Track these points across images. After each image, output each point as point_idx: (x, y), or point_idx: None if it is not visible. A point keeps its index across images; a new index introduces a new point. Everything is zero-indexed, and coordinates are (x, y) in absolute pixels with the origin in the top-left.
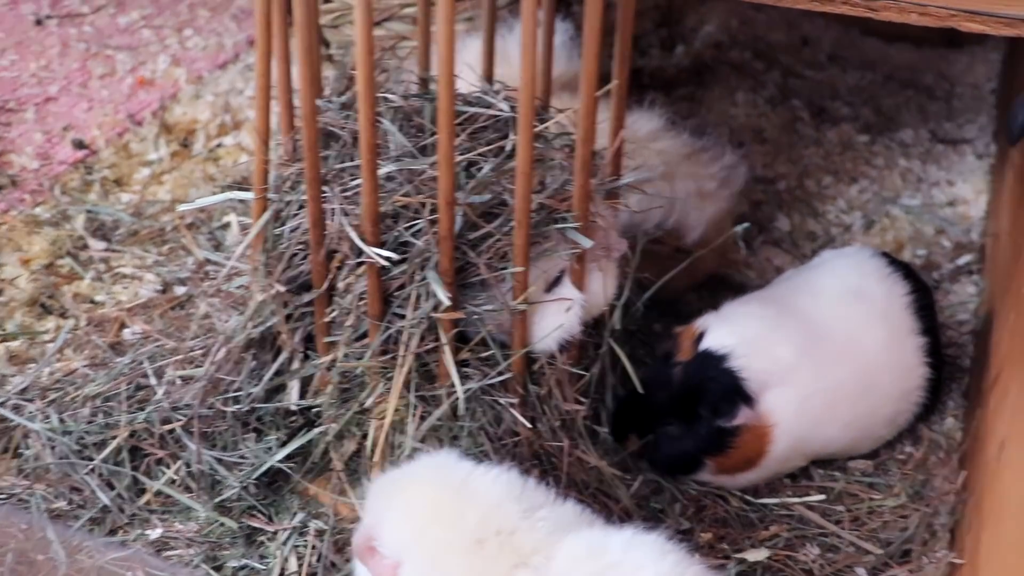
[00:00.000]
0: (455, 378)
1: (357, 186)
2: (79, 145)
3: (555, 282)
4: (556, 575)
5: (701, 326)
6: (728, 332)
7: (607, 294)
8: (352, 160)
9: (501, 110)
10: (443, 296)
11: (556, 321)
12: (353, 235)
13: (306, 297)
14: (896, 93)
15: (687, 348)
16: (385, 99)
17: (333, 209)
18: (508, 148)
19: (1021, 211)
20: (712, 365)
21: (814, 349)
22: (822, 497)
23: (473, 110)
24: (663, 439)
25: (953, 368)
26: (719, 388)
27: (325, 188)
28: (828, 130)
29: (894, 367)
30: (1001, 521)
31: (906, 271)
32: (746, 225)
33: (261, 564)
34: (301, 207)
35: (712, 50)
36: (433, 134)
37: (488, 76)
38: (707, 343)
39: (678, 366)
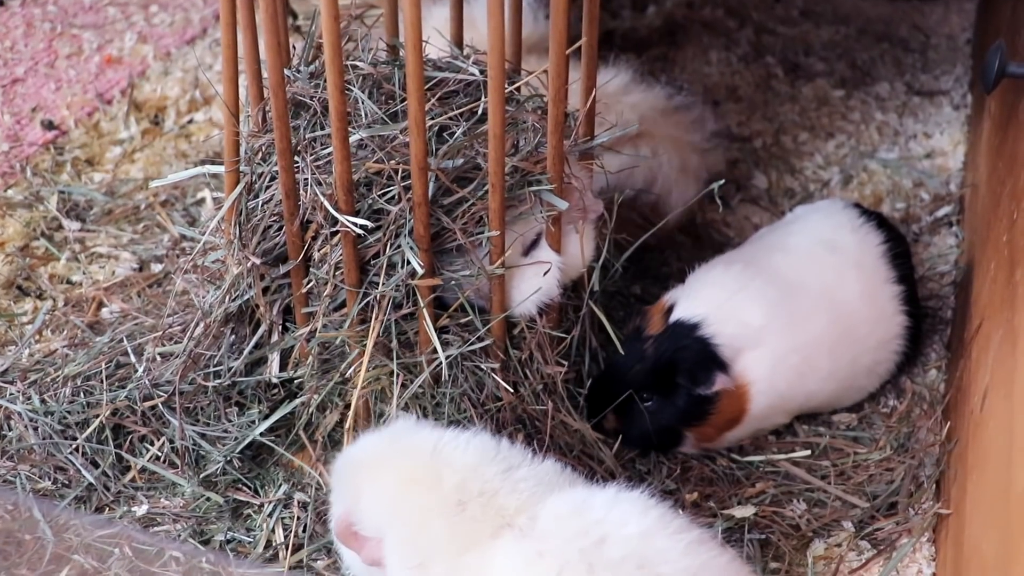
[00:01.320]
0: (436, 344)
1: (329, 155)
2: (49, 126)
3: (532, 245)
4: (541, 534)
5: (670, 299)
6: (698, 302)
7: (585, 256)
8: (323, 129)
9: (471, 74)
10: (416, 263)
11: (534, 285)
12: (327, 204)
13: (282, 269)
14: (871, 46)
15: (657, 322)
16: (354, 67)
17: (306, 179)
18: (479, 112)
19: (999, 160)
20: (684, 335)
21: (787, 306)
22: (807, 453)
23: (443, 75)
24: (639, 416)
25: (935, 320)
26: (694, 357)
27: (297, 158)
28: (803, 86)
29: (871, 317)
30: (986, 470)
31: (879, 220)
32: (721, 182)
33: (247, 536)
34: (273, 178)
35: (684, 9)
36: (403, 100)
37: (457, 41)
38: (678, 314)
39: (649, 340)
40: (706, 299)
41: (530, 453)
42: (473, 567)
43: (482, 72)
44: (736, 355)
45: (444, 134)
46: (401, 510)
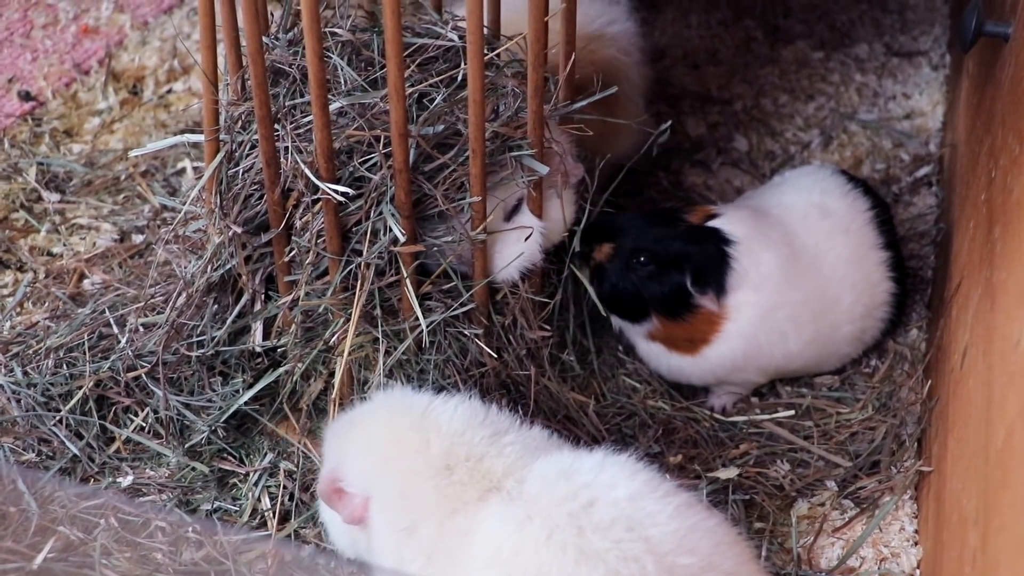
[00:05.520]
0: (418, 311)
1: (309, 123)
2: (26, 97)
3: (514, 210)
4: (529, 497)
5: (718, 209)
6: (740, 223)
7: (566, 220)
8: (302, 96)
9: (450, 40)
10: (398, 230)
11: (517, 250)
12: (308, 172)
13: (264, 237)
14: (849, 8)
15: (699, 216)
16: (333, 34)
17: (286, 147)
18: (459, 78)
19: (977, 120)
20: (717, 241)
21: (789, 263)
22: (791, 413)
23: (422, 41)
24: (630, 269)
25: (916, 279)
26: (709, 263)
27: (277, 126)
28: (783, 48)
29: (859, 283)
30: (966, 426)
31: (865, 187)
32: (668, 123)
33: (233, 505)
34: (254, 147)
35: None
36: (383, 67)
37: (436, 7)
38: (721, 223)
39: (683, 223)
40: (747, 225)
41: (517, 419)
42: (461, 530)
43: (461, 38)
44: (737, 287)
45: (424, 100)
46: (389, 471)
